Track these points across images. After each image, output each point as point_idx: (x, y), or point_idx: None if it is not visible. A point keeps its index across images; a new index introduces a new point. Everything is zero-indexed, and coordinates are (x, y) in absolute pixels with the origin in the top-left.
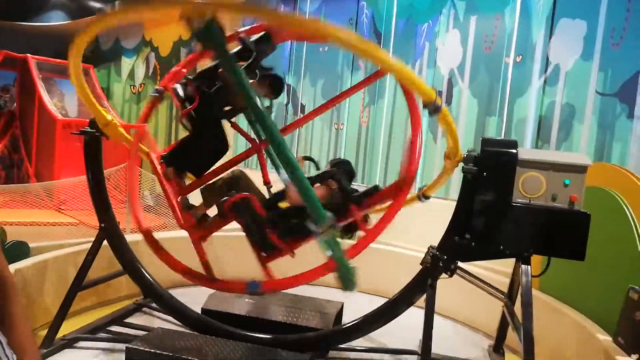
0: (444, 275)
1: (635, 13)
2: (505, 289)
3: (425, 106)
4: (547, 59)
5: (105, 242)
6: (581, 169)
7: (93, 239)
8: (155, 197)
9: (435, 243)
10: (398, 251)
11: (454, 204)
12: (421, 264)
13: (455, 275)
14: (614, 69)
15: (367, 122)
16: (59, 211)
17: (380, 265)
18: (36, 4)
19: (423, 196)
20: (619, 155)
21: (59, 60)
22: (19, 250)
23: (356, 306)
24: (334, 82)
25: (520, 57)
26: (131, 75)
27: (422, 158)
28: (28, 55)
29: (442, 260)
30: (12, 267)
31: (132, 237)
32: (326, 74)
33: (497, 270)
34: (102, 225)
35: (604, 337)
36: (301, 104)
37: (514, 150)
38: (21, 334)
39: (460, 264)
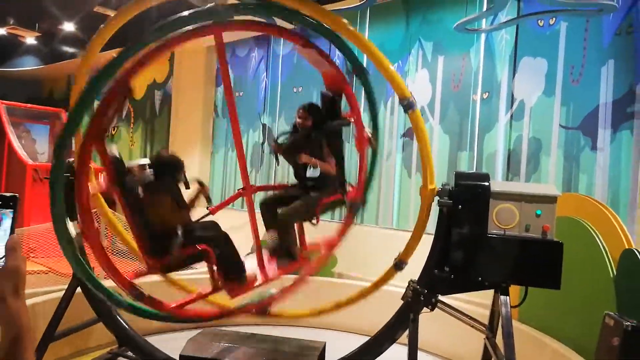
0: (425, 309)
1: (591, 51)
2: (485, 321)
3: (400, 102)
4: (512, 95)
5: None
6: (551, 199)
7: (63, 287)
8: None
9: (415, 277)
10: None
11: (431, 237)
12: (402, 299)
13: (436, 309)
14: (575, 103)
15: None
16: (28, 259)
17: (361, 302)
18: (8, 49)
19: (401, 262)
20: (585, 185)
21: (30, 105)
22: None
23: (339, 345)
24: None
25: (487, 94)
26: None
27: (397, 194)
28: (2, 101)
29: (422, 294)
30: None
31: (107, 284)
32: None
33: (477, 303)
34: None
35: None
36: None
37: (487, 183)
38: None
39: (441, 297)
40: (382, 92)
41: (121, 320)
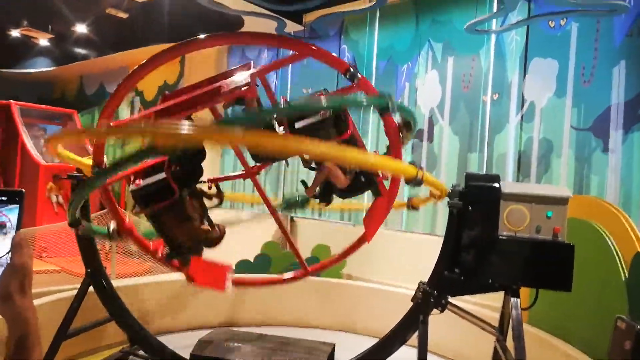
0: (435, 311)
1: (602, 52)
2: (496, 324)
3: (408, 182)
4: (523, 96)
5: (90, 289)
6: (562, 201)
7: (75, 286)
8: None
9: (425, 279)
10: (387, 289)
11: (441, 239)
12: (412, 300)
13: (446, 312)
14: (586, 104)
15: None
16: (40, 258)
17: (371, 304)
18: (22, 51)
19: (412, 207)
20: (597, 187)
21: (43, 105)
22: None
23: (348, 347)
24: None
25: (497, 95)
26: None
27: (405, 195)
28: (11, 101)
29: (432, 295)
30: None
31: (119, 283)
32: None
33: (487, 305)
34: (89, 270)
35: None
36: None
37: (498, 184)
38: None
39: (451, 299)
40: (390, 91)
41: (133, 319)
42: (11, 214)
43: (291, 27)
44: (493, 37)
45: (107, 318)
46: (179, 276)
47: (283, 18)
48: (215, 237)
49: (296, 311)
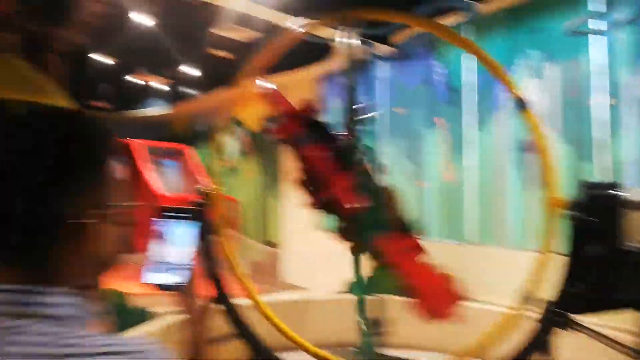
0: (560, 331)
1: None
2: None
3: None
4: None
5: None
6: None
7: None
8: (249, 264)
9: (544, 299)
10: (499, 310)
11: (559, 256)
12: (534, 320)
13: (574, 334)
14: None
15: (452, 178)
16: None
17: (482, 326)
18: (138, 94)
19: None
20: None
21: (158, 142)
22: (141, 315)
23: None
24: (412, 140)
25: (611, 99)
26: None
27: (519, 210)
28: (136, 140)
29: (556, 314)
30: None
31: (241, 301)
32: (404, 133)
33: (620, 328)
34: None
35: None
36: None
37: (618, 192)
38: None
39: (577, 319)
40: (489, 104)
41: (255, 336)
42: (192, 227)
43: (379, 48)
44: (599, 37)
45: (230, 333)
46: (297, 296)
47: (369, 40)
48: None
49: (402, 331)
